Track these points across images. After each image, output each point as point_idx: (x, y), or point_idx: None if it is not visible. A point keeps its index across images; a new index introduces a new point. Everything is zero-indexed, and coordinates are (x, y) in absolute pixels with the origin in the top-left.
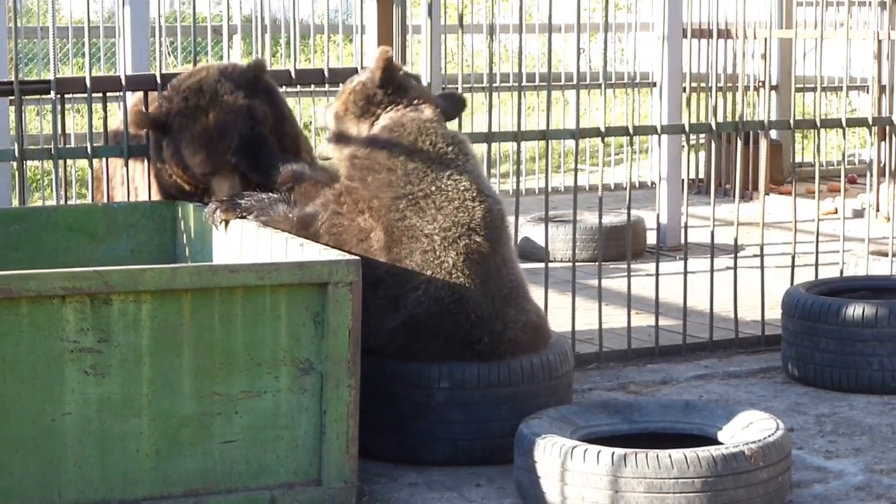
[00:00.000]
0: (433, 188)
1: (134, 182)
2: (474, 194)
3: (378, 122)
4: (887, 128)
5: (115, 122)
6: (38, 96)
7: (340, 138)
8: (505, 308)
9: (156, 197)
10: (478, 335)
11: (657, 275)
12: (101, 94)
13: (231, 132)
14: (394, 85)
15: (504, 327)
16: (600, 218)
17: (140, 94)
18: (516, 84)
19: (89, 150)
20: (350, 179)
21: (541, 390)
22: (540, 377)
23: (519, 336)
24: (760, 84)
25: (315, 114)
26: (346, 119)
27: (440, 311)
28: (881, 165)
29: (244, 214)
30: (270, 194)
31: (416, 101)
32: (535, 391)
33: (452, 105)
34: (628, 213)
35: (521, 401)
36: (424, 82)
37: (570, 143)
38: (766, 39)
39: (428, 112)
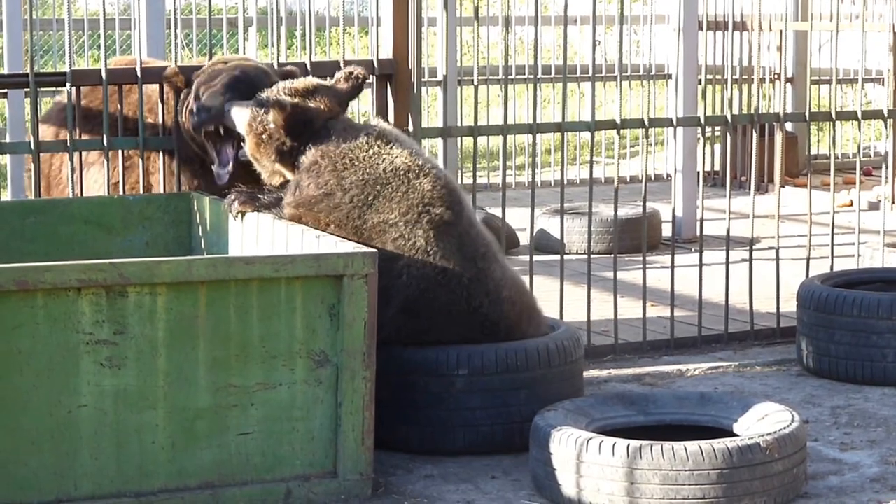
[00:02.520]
0: (378, 187)
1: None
2: (416, 172)
3: (298, 161)
4: None
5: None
6: (53, 88)
7: (263, 167)
8: (488, 266)
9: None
10: (478, 299)
11: (672, 267)
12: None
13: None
14: (298, 126)
15: (497, 287)
16: (616, 210)
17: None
18: (532, 76)
19: (105, 142)
20: (298, 216)
21: (556, 375)
22: (556, 361)
23: (513, 295)
24: (776, 76)
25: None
26: (263, 158)
27: (430, 285)
28: None
29: (262, 210)
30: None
31: (320, 125)
32: (552, 376)
33: (351, 85)
34: (644, 206)
35: (539, 385)
36: (440, 75)
37: (586, 135)
38: (781, 31)
39: (338, 129)
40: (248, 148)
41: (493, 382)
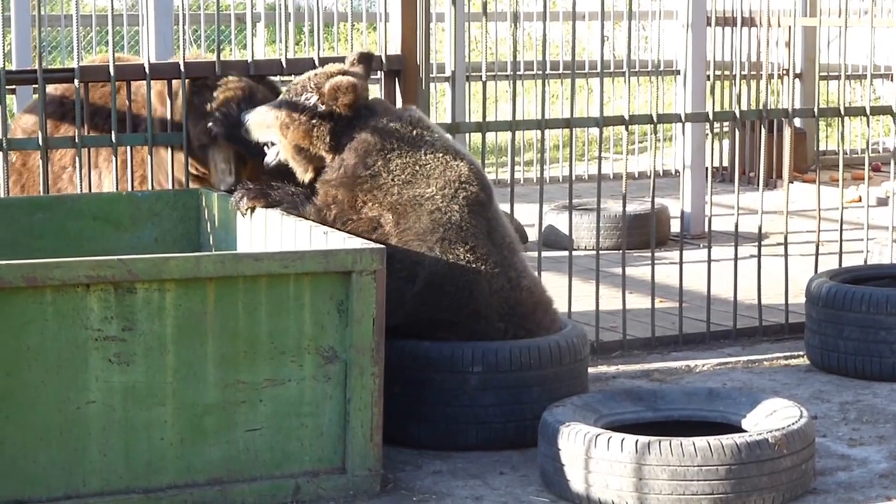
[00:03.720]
0: (417, 167)
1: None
2: (453, 155)
3: (343, 143)
4: None
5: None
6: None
7: (305, 159)
8: (512, 256)
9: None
10: (499, 283)
11: (681, 263)
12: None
13: (229, 107)
14: (356, 107)
15: (518, 276)
16: (624, 206)
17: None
18: (540, 72)
19: (113, 138)
20: (333, 196)
21: (567, 373)
22: (567, 359)
23: (532, 286)
24: (784, 72)
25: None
26: (311, 149)
27: (457, 262)
28: None
29: (272, 206)
30: (299, 189)
31: (364, 107)
32: (563, 373)
33: (363, 66)
34: (652, 202)
35: (551, 383)
36: (448, 71)
37: (594, 131)
38: (790, 27)
39: (381, 111)
40: (292, 139)
41: (507, 380)
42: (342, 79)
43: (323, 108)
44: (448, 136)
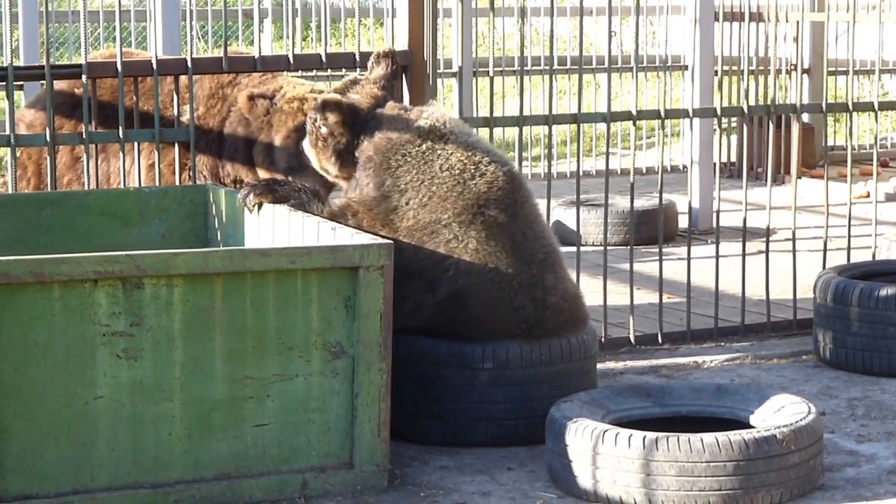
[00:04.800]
0: (433, 188)
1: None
2: (472, 171)
3: (354, 160)
4: None
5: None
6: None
7: (332, 178)
8: (542, 273)
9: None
10: (521, 302)
11: (689, 259)
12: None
13: None
14: (352, 119)
15: (545, 294)
16: (632, 202)
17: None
18: (548, 67)
19: (121, 134)
20: (357, 213)
21: (576, 369)
22: (577, 356)
23: (560, 304)
24: (792, 67)
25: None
26: (327, 165)
27: (477, 281)
28: None
29: (279, 202)
30: (307, 186)
31: (367, 116)
32: (573, 370)
33: (385, 65)
34: (660, 197)
35: (560, 379)
36: (456, 66)
37: (602, 126)
38: (798, 22)
39: (387, 118)
40: (315, 164)
41: (517, 376)
42: (327, 97)
43: (325, 129)
44: (472, 137)
